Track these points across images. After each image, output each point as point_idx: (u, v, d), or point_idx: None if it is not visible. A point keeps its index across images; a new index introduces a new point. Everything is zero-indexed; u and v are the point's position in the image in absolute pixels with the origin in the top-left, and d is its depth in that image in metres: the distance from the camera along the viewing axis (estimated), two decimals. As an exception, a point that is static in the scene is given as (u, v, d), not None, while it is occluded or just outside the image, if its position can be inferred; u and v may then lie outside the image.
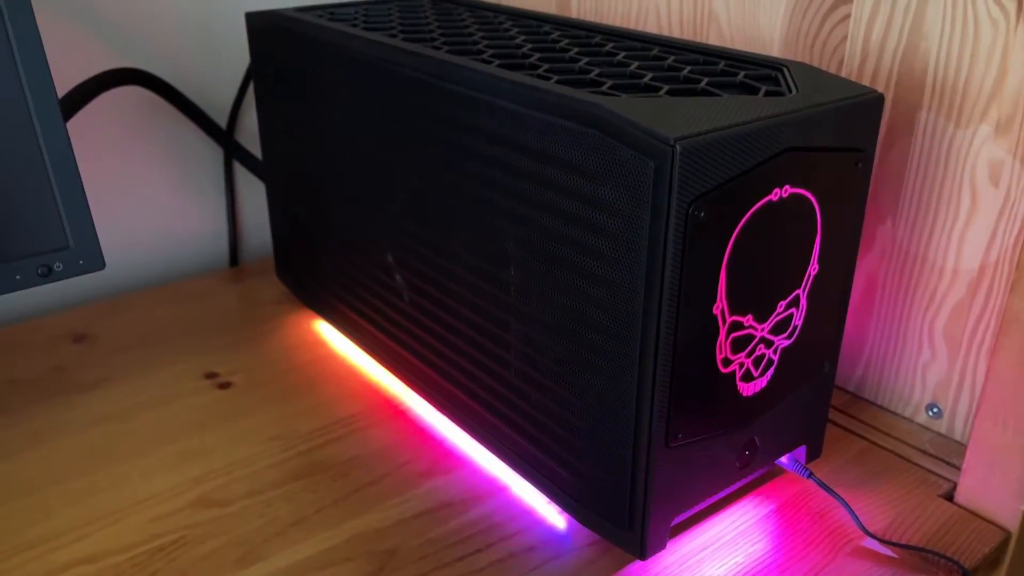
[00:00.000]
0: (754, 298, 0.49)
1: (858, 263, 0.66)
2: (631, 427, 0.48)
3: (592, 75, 0.52)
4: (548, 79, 0.51)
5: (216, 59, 0.88)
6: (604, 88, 0.49)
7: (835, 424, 0.66)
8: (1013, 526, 0.56)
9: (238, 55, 0.87)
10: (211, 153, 0.91)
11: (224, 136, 0.89)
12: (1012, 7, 0.54)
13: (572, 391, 0.51)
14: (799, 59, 0.66)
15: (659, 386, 0.46)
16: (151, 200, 0.89)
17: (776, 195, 0.47)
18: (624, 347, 0.47)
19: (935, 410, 0.65)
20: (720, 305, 0.47)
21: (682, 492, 0.51)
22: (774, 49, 0.67)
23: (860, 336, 0.68)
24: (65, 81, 0.74)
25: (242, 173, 0.93)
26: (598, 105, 0.45)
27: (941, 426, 0.65)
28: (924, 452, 0.63)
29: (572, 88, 0.48)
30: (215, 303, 0.84)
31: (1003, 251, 0.58)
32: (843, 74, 0.64)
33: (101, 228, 0.84)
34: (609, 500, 0.51)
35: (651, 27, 0.76)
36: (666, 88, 0.49)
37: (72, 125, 0.76)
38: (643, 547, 0.51)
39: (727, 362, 0.49)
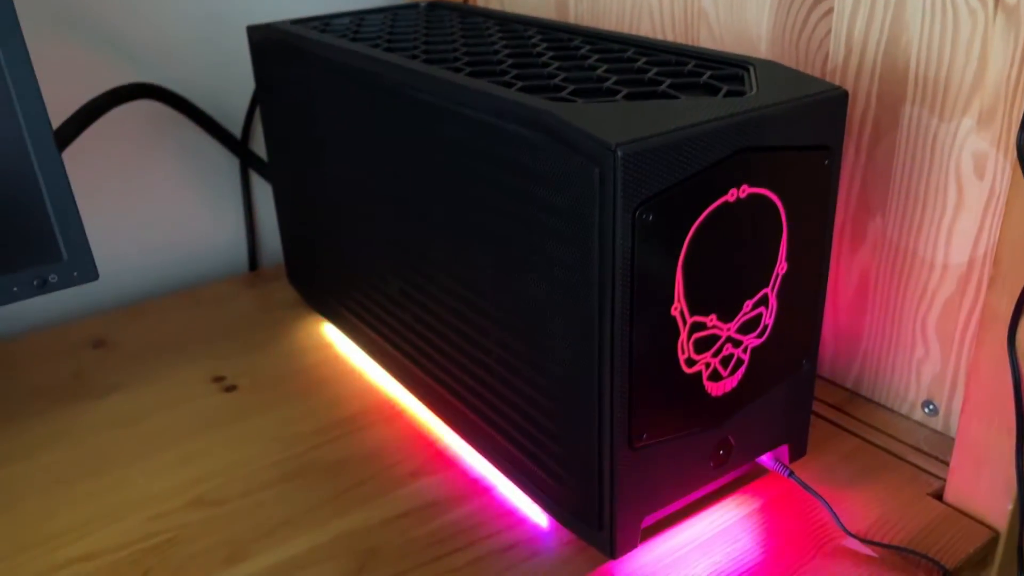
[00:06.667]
0: (717, 298, 0.49)
1: (851, 259, 0.65)
2: (594, 429, 0.49)
3: (556, 80, 0.53)
4: (512, 86, 0.52)
5: (228, 70, 0.90)
6: (563, 93, 0.50)
7: (829, 421, 0.66)
8: (1001, 525, 0.55)
9: (249, 66, 0.89)
10: (228, 162, 0.94)
11: (239, 145, 0.92)
12: (990, -3, 0.53)
13: (542, 393, 0.52)
14: (786, 55, 0.65)
15: (618, 388, 0.47)
16: (172, 209, 0.92)
17: (733, 195, 0.47)
18: (582, 349, 0.47)
19: (931, 407, 0.64)
20: (679, 306, 0.47)
21: (652, 492, 0.52)
22: (762, 45, 0.67)
23: (855, 332, 0.67)
24: (78, 97, 0.77)
25: (259, 180, 0.96)
26: (547, 112, 0.45)
27: (937, 423, 0.64)
28: (918, 450, 0.63)
29: (529, 94, 0.49)
30: (229, 308, 0.87)
31: (990, 245, 0.57)
32: (828, 68, 0.63)
33: (123, 238, 0.88)
34: (580, 501, 0.52)
35: (645, 26, 0.76)
36: (625, 92, 0.50)
37: (90, 139, 0.79)
38: (613, 547, 0.51)
39: (691, 362, 0.49)
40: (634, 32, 0.77)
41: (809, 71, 0.64)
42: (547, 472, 0.54)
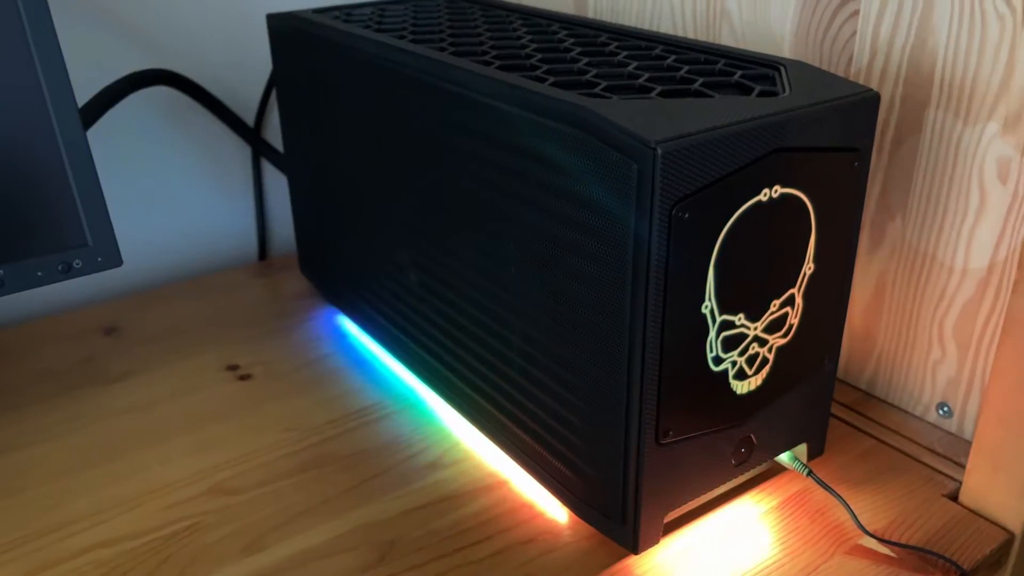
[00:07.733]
0: (746, 297, 0.49)
1: (868, 261, 0.66)
2: (621, 424, 0.49)
3: (588, 76, 0.53)
4: (544, 80, 0.52)
5: (243, 58, 0.90)
6: (598, 89, 0.50)
7: (844, 422, 0.66)
8: (1017, 527, 0.56)
9: (264, 54, 0.89)
10: (240, 150, 0.93)
11: (252, 134, 0.92)
12: (1019, 4, 0.53)
13: (567, 388, 0.52)
14: (809, 55, 0.66)
15: (647, 384, 0.47)
16: (183, 197, 0.91)
17: (765, 195, 0.47)
18: (612, 346, 0.47)
19: (945, 409, 0.64)
20: (709, 304, 0.47)
21: (675, 488, 0.52)
22: (785, 45, 0.67)
23: (871, 333, 0.67)
24: (95, 83, 0.77)
25: (270, 169, 0.95)
26: (584, 107, 0.45)
27: (951, 425, 0.64)
28: (932, 451, 0.63)
29: (564, 89, 0.49)
30: (241, 297, 0.86)
31: (1011, 250, 0.57)
32: (852, 70, 0.63)
33: (134, 224, 0.88)
34: (603, 495, 0.52)
35: (665, 25, 0.76)
36: (659, 89, 0.50)
37: (104, 125, 0.79)
38: (636, 542, 0.51)
39: (718, 360, 0.49)
40: (654, 30, 0.77)
41: (832, 72, 0.64)
42: (569, 466, 0.54)
